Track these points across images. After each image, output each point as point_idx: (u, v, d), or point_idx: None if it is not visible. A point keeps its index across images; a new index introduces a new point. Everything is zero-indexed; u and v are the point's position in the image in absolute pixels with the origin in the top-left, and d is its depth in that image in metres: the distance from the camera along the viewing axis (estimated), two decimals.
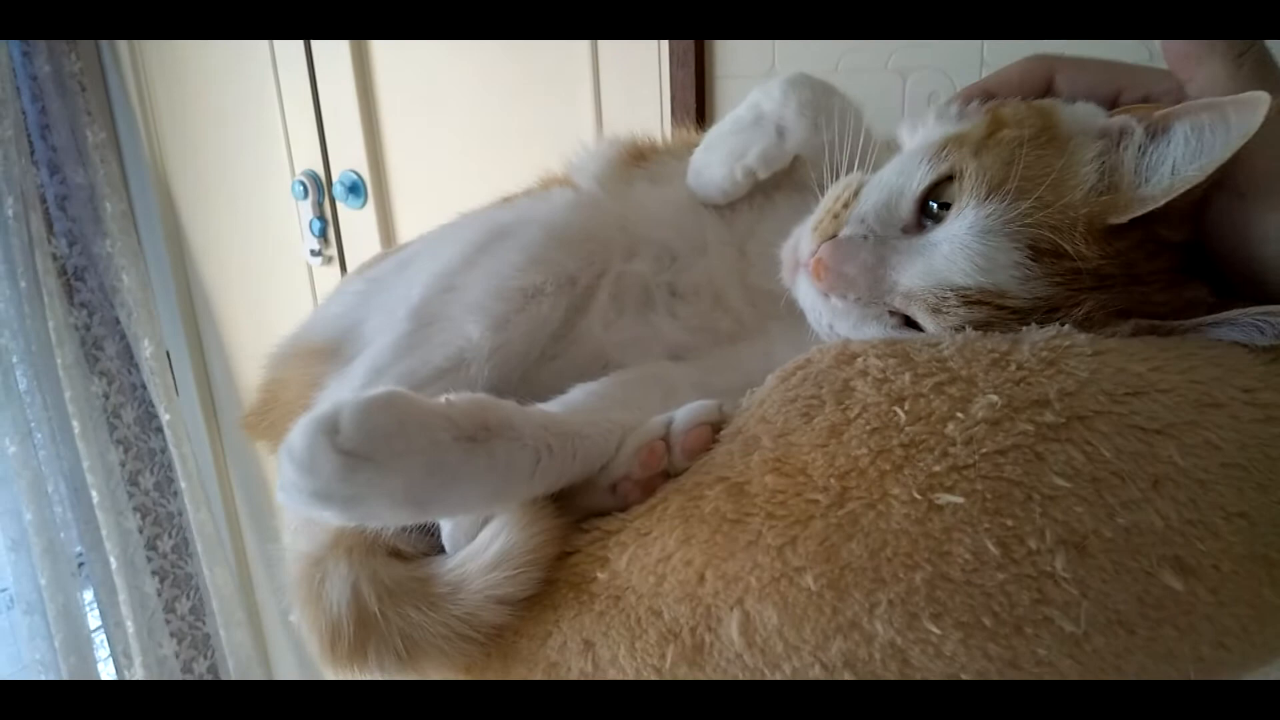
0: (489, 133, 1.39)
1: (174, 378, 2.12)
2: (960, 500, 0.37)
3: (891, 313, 0.47)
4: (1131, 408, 0.39)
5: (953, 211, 0.45)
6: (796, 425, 0.41)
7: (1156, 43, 0.49)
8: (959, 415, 0.39)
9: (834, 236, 0.48)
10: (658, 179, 0.71)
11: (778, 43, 1.00)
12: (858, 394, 0.41)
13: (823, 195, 0.66)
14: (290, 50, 1.58)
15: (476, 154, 1.42)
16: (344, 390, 0.55)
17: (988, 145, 0.46)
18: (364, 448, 0.38)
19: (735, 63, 1.04)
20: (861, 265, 0.46)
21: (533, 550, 0.45)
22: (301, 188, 1.65)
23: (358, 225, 1.65)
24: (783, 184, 0.65)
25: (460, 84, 1.39)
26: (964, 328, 0.44)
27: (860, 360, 0.43)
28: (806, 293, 0.50)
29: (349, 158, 1.59)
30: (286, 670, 2.30)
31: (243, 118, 1.71)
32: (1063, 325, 0.42)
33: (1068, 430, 0.38)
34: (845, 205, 0.49)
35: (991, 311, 0.44)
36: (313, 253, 1.72)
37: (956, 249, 0.44)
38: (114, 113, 1.95)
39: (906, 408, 0.39)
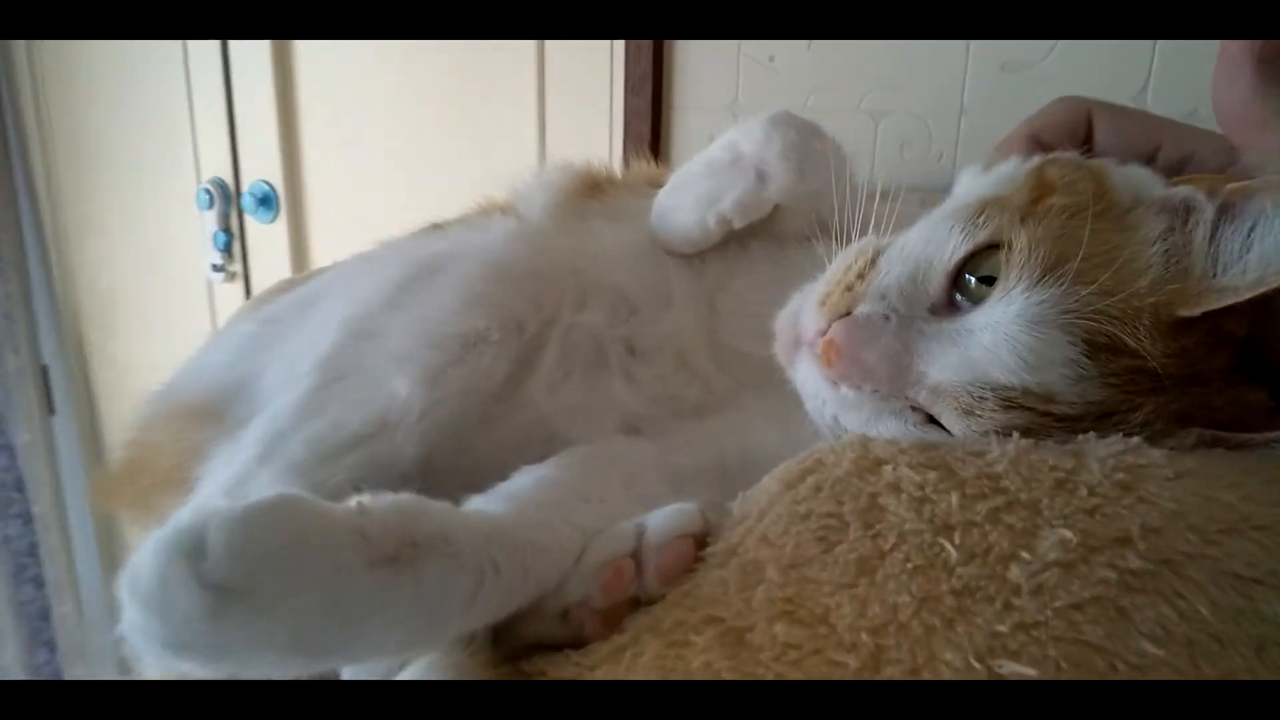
0: (420, 151, 1.28)
1: (49, 394, 1.91)
2: (1031, 672, 0.29)
3: (913, 408, 0.39)
4: (1226, 549, 0.31)
5: (996, 292, 0.37)
6: (812, 554, 0.32)
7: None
8: (1024, 555, 0.30)
9: (848, 313, 0.39)
10: (616, 216, 0.62)
11: (742, 74, 0.93)
12: (891, 516, 0.33)
13: (802, 248, 0.58)
14: (205, 46, 1.44)
15: (405, 173, 1.31)
16: (234, 464, 0.44)
17: (1035, 213, 0.38)
18: (240, 579, 0.28)
19: (695, 93, 0.96)
20: (883, 352, 0.38)
21: None
22: (207, 196, 1.51)
23: (267, 241, 1.51)
24: (759, 233, 0.57)
25: (391, 95, 1.28)
26: (1001, 434, 0.36)
27: (889, 469, 0.34)
28: (809, 377, 0.41)
29: (262, 167, 1.46)
30: None
31: (148, 117, 1.56)
32: (1128, 436, 0.35)
33: (1156, 579, 0.30)
34: (860, 276, 0.40)
35: (1034, 417, 0.36)
36: (215, 268, 1.57)
37: (1000, 340, 0.36)
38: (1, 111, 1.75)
39: (957, 540, 0.31)
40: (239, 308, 0.65)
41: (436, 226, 0.66)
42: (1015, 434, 0.36)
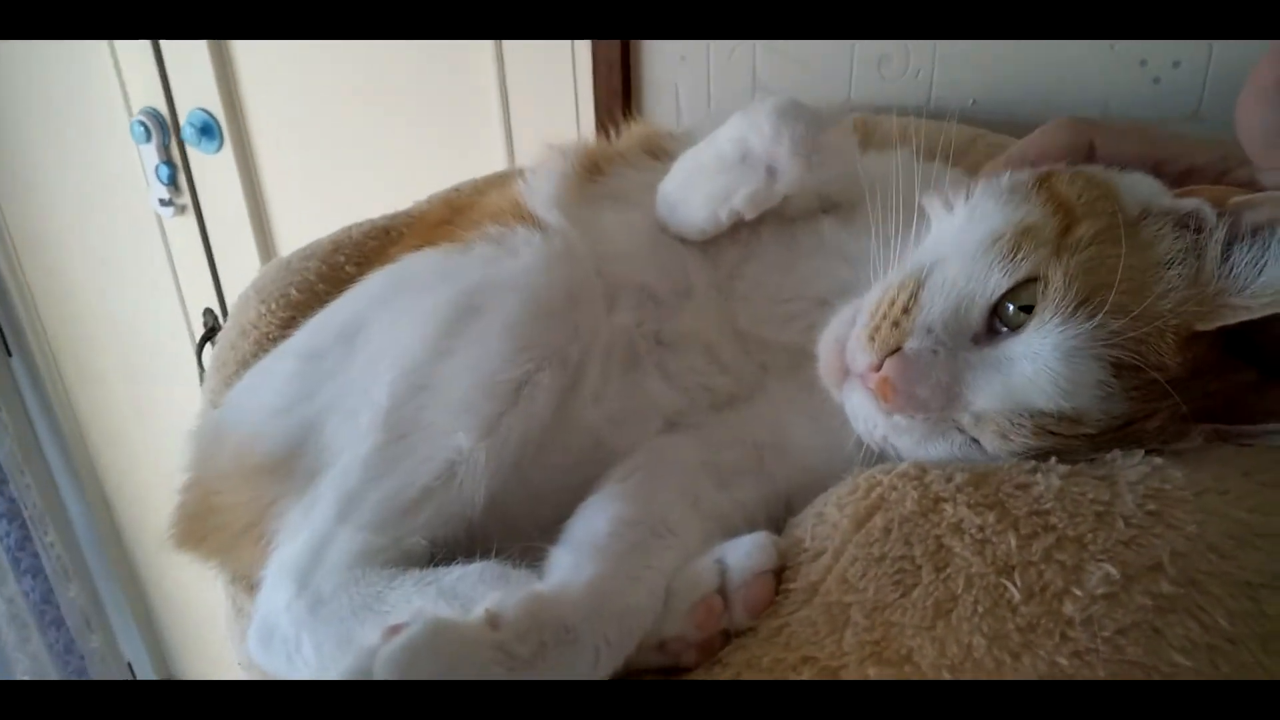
0: (366, 70, 1.21)
1: (3, 336, 1.86)
2: None
3: (959, 429, 0.43)
4: (1239, 562, 0.37)
5: (1034, 323, 0.41)
6: (892, 599, 0.37)
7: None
8: (1075, 591, 0.35)
9: (897, 349, 0.43)
10: (622, 199, 0.63)
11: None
12: (958, 559, 0.37)
13: (809, 227, 0.60)
14: None
15: (355, 94, 1.24)
16: (312, 523, 0.47)
17: (1066, 245, 0.41)
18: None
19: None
20: (935, 385, 0.41)
21: None
22: (143, 129, 1.42)
23: (214, 171, 1.45)
24: (766, 217, 0.59)
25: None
26: (1041, 458, 0.40)
27: (949, 509, 0.39)
28: (861, 405, 0.45)
29: (197, 94, 1.37)
30: None
31: (61, 48, 1.44)
32: (1151, 455, 0.40)
33: (1184, 600, 0.35)
34: (905, 311, 0.43)
35: (1063, 440, 0.41)
36: (162, 202, 1.51)
37: (1040, 370, 0.40)
38: None
39: (1018, 581, 0.36)
40: (239, 301, 0.66)
41: (445, 214, 0.66)
42: (1054, 459, 0.40)
